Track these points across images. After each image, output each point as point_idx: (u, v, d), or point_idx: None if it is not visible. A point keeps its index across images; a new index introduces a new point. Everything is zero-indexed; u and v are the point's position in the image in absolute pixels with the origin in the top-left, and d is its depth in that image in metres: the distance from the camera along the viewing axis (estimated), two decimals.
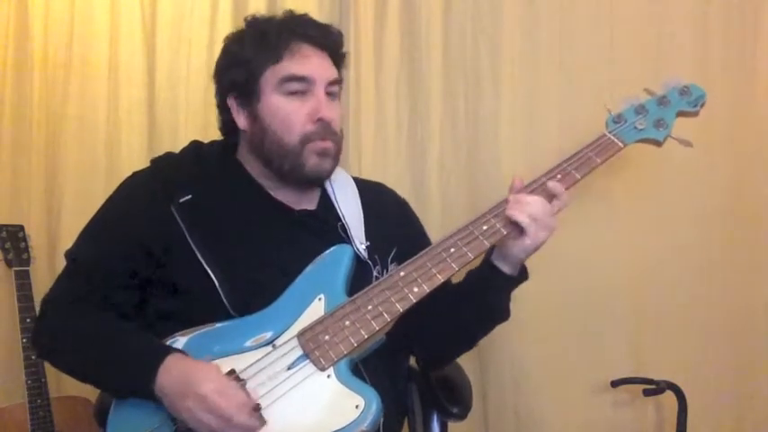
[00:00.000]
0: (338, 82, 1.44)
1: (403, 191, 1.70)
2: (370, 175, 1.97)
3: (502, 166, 2.01)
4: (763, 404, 1.92)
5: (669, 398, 1.83)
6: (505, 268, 1.37)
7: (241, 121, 1.43)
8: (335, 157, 1.42)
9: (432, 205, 2.05)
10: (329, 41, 1.44)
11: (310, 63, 1.39)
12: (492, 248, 1.36)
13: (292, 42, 1.39)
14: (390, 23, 2.11)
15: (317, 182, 1.44)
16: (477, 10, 2.06)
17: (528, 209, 1.30)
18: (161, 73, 2.21)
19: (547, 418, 1.98)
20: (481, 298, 1.40)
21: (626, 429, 1.97)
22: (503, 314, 1.44)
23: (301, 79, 1.38)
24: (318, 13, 2.14)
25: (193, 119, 2.16)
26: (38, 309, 1.45)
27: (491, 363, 2.01)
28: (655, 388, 1.82)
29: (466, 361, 1.85)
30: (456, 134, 2.08)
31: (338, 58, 1.46)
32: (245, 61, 1.40)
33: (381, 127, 2.11)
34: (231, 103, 1.44)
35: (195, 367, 1.24)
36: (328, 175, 1.43)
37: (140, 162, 1.54)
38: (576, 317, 1.98)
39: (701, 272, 1.94)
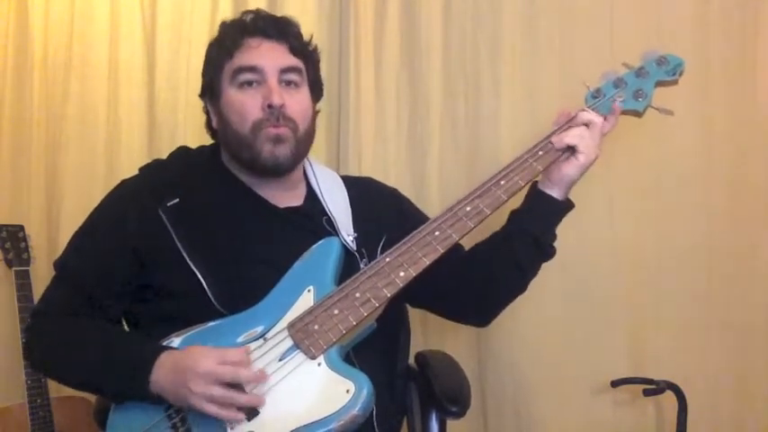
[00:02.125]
0: (296, 70, 1.44)
1: (403, 191, 1.70)
2: (369, 175, 1.98)
3: (502, 166, 2.00)
4: (763, 404, 1.91)
5: (669, 398, 1.83)
6: (555, 192, 1.42)
7: (214, 120, 1.48)
8: (297, 145, 1.42)
9: (432, 205, 2.04)
10: (281, 31, 1.45)
11: (258, 53, 1.42)
12: (534, 183, 1.42)
13: (243, 38, 1.43)
14: (390, 23, 2.11)
15: (277, 170, 1.43)
16: (477, 10, 2.06)
17: (571, 132, 1.38)
18: (161, 73, 2.21)
19: (546, 417, 1.97)
20: (528, 228, 1.43)
21: (626, 429, 1.97)
22: (549, 249, 1.45)
23: (250, 69, 1.41)
24: (318, 14, 2.15)
25: (193, 119, 2.15)
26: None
27: (490, 362, 2.01)
28: (655, 388, 1.82)
29: (465, 359, 1.85)
30: (456, 134, 2.08)
31: (298, 47, 1.46)
32: (208, 65, 1.48)
33: (381, 127, 2.11)
34: (206, 106, 1.50)
35: (184, 354, 1.26)
36: (288, 162, 1.42)
37: (140, 162, 1.54)
38: (576, 316, 1.98)
39: (701, 271, 1.94)
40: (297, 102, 1.43)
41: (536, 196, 1.44)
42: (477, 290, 1.50)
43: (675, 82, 1.46)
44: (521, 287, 1.50)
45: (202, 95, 1.51)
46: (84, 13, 2.25)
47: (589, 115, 1.40)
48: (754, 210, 1.93)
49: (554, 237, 1.46)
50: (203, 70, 1.50)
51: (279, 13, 2.10)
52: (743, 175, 1.93)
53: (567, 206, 1.44)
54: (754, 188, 1.93)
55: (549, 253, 1.46)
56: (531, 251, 1.44)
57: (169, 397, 1.25)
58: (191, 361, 1.22)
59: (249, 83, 1.41)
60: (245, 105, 1.40)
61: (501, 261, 1.46)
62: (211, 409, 1.20)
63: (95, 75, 2.23)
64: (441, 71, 2.08)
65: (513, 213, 1.47)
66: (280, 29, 1.46)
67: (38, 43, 2.25)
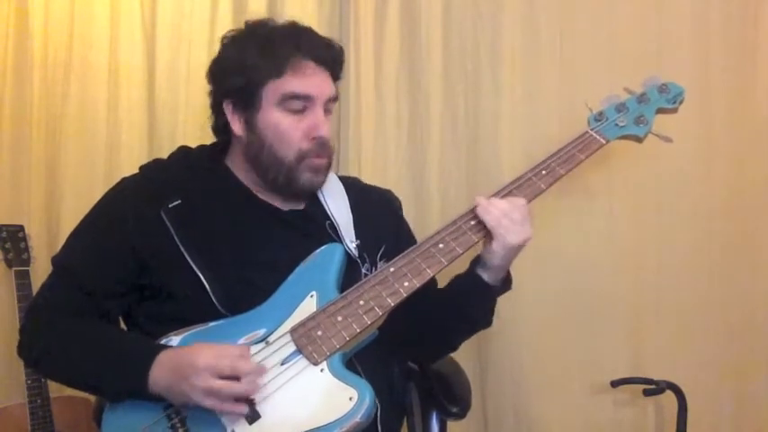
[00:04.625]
0: (336, 99, 1.45)
1: (403, 191, 1.71)
2: (370, 175, 1.98)
3: (502, 166, 2.01)
4: (763, 404, 1.92)
5: (669, 398, 1.83)
6: (485, 276, 1.38)
7: (236, 126, 1.42)
8: (328, 171, 1.46)
9: (432, 205, 2.06)
10: (331, 58, 1.44)
11: (312, 81, 1.39)
12: (476, 259, 1.40)
13: (295, 58, 1.38)
14: (390, 23, 2.11)
15: (309, 194, 1.47)
16: (477, 10, 2.06)
17: (492, 210, 1.33)
18: (161, 73, 2.21)
19: (546, 417, 1.98)
20: (461, 305, 1.42)
21: (626, 429, 1.97)
22: (481, 323, 1.46)
23: (304, 98, 1.38)
24: (318, 13, 2.15)
25: (193, 119, 2.16)
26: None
27: (491, 362, 2.01)
28: (655, 388, 1.82)
29: (466, 360, 1.85)
30: (456, 134, 2.08)
31: (337, 73, 1.46)
32: (246, 69, 1.38)
33: (381, 127, 2.11)
34: (227, 107, 1.42)
35: (183, 351, 1.26)
36: (320, 187, 1.47)
37: (140, 162, 1.54)
38: (575, 317, 1.98)
39: (701, 272, 1.94)
40: (330, 128, 1.44)
41: (471, 275, 1.40)
42: (416, 335, 1.48)
43: (675, 110, 1.49)
44: (448, 348, 1.54)
45: (223, 96, 1.42)
46: (84, 13, 2.24)
47: (515, 200, 1.35)
48: (754, 210, 1.93)
49: (489, 312, 1.44)
50: (228, 69, 1.41)
51: (279, 14, 2.13)
52: (743, 175, 1.94)
53: (498, 290, 1.41)
54: (754, 188, 1.93)
55: (483, 325, 1.46)
56: (462, 325, 1.46)
57: (168, 395, 1.24)
58: (189, 356, 1.22)
59: (299, 109, 1.38)
60: (291, 132, 1.38)
61: (433, 322, 1.45)
62: (210, 402, 1.20)
63: (95, 75, 2.23)
64: (441, 71, 2.09)
65: (454, 281, 1.44)
66: (328, 55, 1.43)
67: (38, 43, 2.25)
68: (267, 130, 1.39)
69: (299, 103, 1.38)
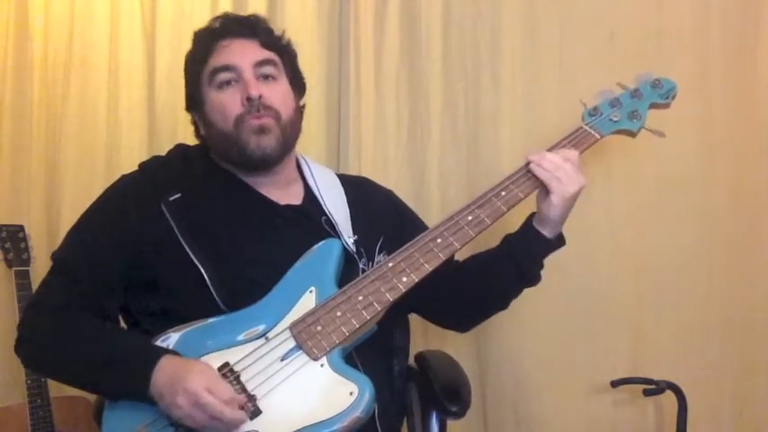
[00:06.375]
0: (270, 62, 1.46)
1: (403, 191, 1.71)
2: (370, 175, 1.97)
3: (502, 166, 2.00)
4: (763, 404, 1.91)
5: (669, 398, 1.83)
6: (543, 230, 1.42)
7: (202, 129, 1.49)
8: (282, 134, 1.43)
9: (432, 205, 2.06)
10: (250, 28, 1.48)
11: (230, 51, 1.44)
12: (531, 215, 1.44)
13: (214, 42, 1.46)
14: (390, 23, 2.11)
15: (265, 161, 1.43)
16: (477, 9, 2.06)
17: (545, 164, 1.37)
18: (161, 73, 2.21)
19: (546, 417, 1.97)
20: (515, 257, 1.44)
21: (626, 429, 1.97)
22: (533, 278, 1.47)
23: (225, 68, 1.43)
24: (318, 13, 2.16)
25: None
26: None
27: (491, 362, 2.01)
28: (655, 388, 1.82)
29: (465, 360, 1.86)
30: (456, 133, 2.08)
31: (269, 41, 1.48)
32: (187, 77, 1.51)
33: (381, 127, 2.11)
34: (193, 117, 1.51)
35: (186, 364, 1.25)
36: (275, 152, 1.43)
37: (140, 161, 1.54)
38: (576, 316, 1.98)
39: (701, 271, 1.94)
40: (276, 92, 1.44)
41: (527, 229, 1.44)
42: (459, 302, 1.53)
43: (668, 105, 1.50)
44: (501, 306, 1.54)
45: (188, 108, 1.52)
46: (84, 13, 2.25)
47: (566, 153, 1.41)
48: (754, 210, 1.93)
49: (540, 266, 1.46)
50: (185, 84, 1.51)
51: (279, 14, 2.13)
52: (743, 175, 1.93)
53: (554, 245, 1.45)
54: (754, 188, 1.93)
55: (532, 281, 1.47)
56: (514, 279, 1.46)
57: (161, 402, 1.24)
58: (184, 373, 1.22)
59: (227, 82, 1.43)
60: (226, 104, 1.42)
61: (485, 281, 1.48)
62: (189, 423, 1.21)
63: (95, 75, 2.24)
64: (441, 71, 2.09)
65: (506, 238, 1.48)
66: (248, 26, 1.48)
67: (38, 43, 2.25)
68: (211, 112, 1.44)
69: (225, 75, 1.42)
